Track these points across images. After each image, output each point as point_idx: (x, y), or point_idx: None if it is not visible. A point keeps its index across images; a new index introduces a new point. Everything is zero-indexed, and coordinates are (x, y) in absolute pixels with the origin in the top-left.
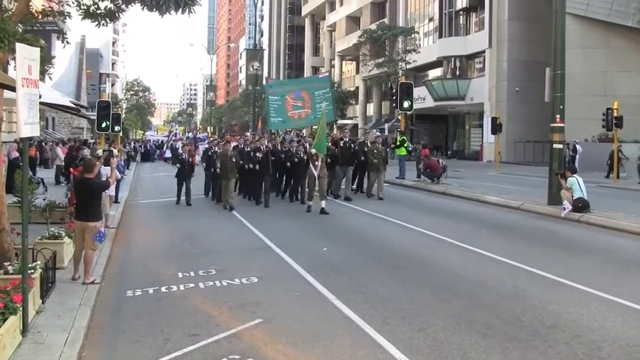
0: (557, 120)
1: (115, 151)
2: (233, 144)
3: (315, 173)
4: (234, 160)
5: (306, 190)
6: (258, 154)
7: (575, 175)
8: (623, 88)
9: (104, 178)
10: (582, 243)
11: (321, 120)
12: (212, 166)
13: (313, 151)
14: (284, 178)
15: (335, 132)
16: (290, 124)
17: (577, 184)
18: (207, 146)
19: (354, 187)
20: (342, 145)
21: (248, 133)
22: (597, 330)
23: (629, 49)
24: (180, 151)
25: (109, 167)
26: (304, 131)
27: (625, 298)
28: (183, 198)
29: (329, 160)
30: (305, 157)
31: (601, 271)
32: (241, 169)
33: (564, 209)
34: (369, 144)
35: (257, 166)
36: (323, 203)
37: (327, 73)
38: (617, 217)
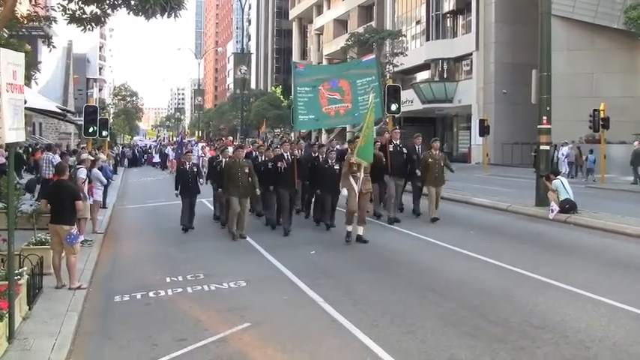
0: (544, 122)
1: (104, 156)
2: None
3: (357, 188)
4: (247, 171)
5: (336, 209)
6: (280, 164)
7: (559, 177)
8: (609, 89)
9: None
10: (569, 244)
11: (368, 117)
12: (220, 181)
13: (354, 159)
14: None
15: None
16: (325, 122)
17: (562, 186)
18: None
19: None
20: (391, 149)
21: (231, 138)
22: (584, 330)
23: (615, 50)
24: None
25: (84, 170)
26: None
27: (611, 297)
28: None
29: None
30: (337, 168)
31: (588, 271)
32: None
33: (552, 211)
34: (417, 149)
35: (271, 187)
36: (361, 230)
37: (374, 56)
38: (604, 217)
